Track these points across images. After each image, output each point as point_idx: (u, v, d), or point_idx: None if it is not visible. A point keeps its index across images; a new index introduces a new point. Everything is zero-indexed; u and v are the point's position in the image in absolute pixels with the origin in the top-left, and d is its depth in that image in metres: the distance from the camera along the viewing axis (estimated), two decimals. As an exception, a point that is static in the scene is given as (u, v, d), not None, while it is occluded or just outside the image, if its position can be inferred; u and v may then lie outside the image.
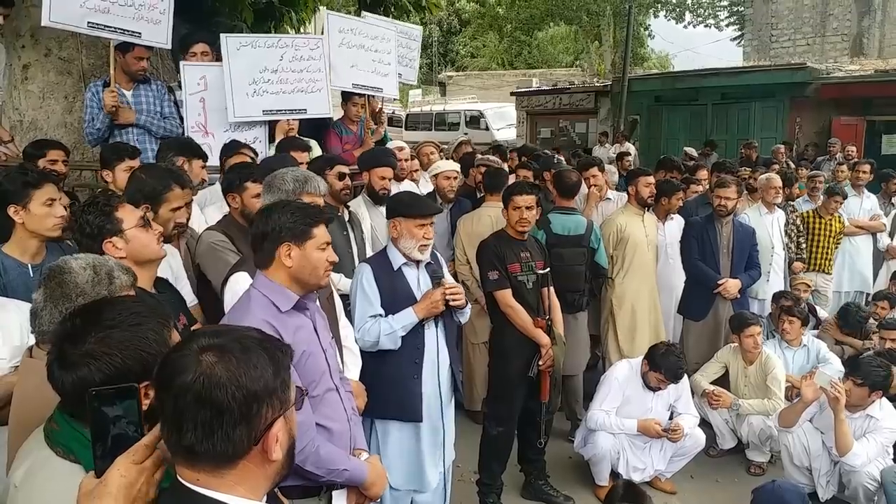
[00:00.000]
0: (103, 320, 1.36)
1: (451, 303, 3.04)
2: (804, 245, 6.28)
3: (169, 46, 4.71)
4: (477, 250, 3.97)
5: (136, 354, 1.33)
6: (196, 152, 3.63)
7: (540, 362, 3.67)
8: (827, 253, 6.38)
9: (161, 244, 2.45)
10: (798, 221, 6.25)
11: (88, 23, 4.22)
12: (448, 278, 3.23)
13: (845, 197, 6.50)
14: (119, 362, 1.31)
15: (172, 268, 2.88)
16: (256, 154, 4.18)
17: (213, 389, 1.07)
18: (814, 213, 6.43)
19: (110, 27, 4.30)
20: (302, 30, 8.39)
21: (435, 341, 3.11)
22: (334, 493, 2.25)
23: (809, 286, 6.04)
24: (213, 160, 4.01)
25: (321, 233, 2.19)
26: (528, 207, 3.74)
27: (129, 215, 2.33)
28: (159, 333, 1.38)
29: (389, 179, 4.22)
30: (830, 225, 6.35)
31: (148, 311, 1.42)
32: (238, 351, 1.12)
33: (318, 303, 2.47)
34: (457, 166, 5.21)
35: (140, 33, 4.42)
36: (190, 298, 2.92)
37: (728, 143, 13.69)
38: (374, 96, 5.72)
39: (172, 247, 2.92)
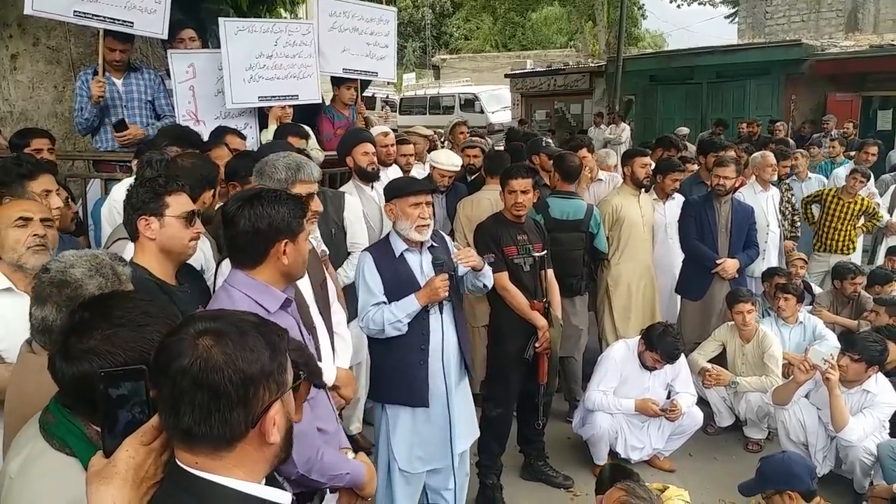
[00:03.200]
0: (113, 317, 1.35)
1: (466, 264, 3.08)
2: (798, 223, 6.27)
3: (165, 37, 4.63)
4: (473, 233, 3.96)
5: (138, 356, 1.32)
6: (191, 141, 3.61)
7: (536, 344, 3.68)
8: (841, 236, 6.28)
9: (196, 245, 2.40)
10: (791, 198, 6.22)
11: (75, 11, 4.13)
12: (451, 248, 3.21)
13: (868, 177, 6.35)
14: (121, 361, 1.31)
15: (205, 255, 2.85)
16: (244, 138, 4.16)
17: (210, 373, 1.07)
18: (835, 193, 6.34)
19: (99, 16, 4.20)
20: (294, 14, 8.36)
21: (440, 327, 3.10)
22: (326, 496, 2.19)
23: (806, 262, 6.05)
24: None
25: (306, 223, 2.11)
26: (523, 191, 3.71)
27: (177, 204, 2.28)
28: (164, 335, 1.38)
29: (373, 154, 4.21)
30: (849, 207, 6.23)
31: (157, 312, 1.41)
32: (234, 334, 1.12)
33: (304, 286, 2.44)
34: (457, 165, 4.87)
35: (132, 23, 4.31)
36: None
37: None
38: (369, 80, 5.68)
39: (205, 236, 2.85)
